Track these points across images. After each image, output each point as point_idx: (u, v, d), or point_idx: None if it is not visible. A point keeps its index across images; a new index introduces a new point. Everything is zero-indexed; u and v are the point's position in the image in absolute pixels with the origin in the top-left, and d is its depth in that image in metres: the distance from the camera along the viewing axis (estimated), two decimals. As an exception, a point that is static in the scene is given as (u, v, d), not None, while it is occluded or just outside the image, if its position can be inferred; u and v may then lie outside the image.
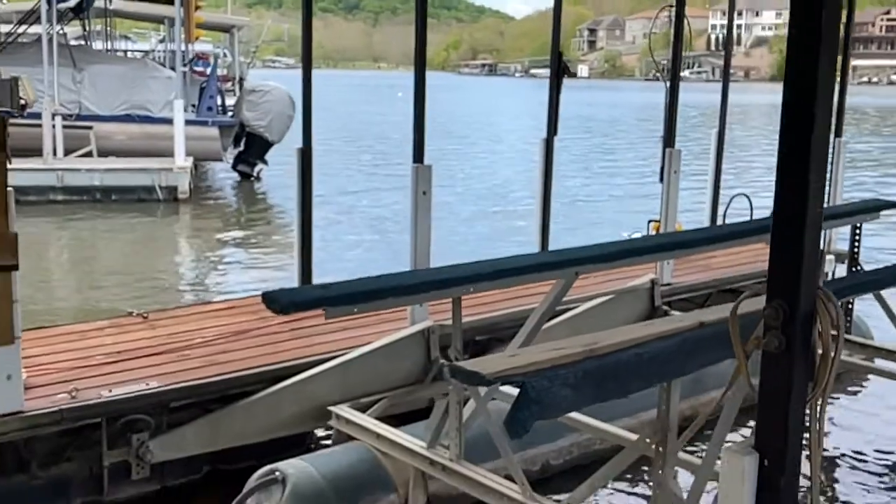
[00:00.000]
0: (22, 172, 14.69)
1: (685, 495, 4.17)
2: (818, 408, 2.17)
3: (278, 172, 22.09)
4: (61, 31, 20.01)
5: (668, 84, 8.26)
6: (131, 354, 6.14)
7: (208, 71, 26.23)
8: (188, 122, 18.54)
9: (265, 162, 21.83)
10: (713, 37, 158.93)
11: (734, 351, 4.18)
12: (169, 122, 18.66)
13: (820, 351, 2.17)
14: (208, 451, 5.79)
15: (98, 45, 26.30)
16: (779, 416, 2.08)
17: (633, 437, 4.52)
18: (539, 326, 5.31)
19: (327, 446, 6.04)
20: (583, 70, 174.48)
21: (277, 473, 5.29)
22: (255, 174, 21.79)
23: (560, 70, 9.19)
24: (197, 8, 22.32)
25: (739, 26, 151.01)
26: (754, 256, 9.58)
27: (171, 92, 19.29)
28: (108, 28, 29.34)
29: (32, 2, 20.51)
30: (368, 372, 6.21)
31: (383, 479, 5.47)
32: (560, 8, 9.33)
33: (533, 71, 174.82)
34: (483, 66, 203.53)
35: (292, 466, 5.35)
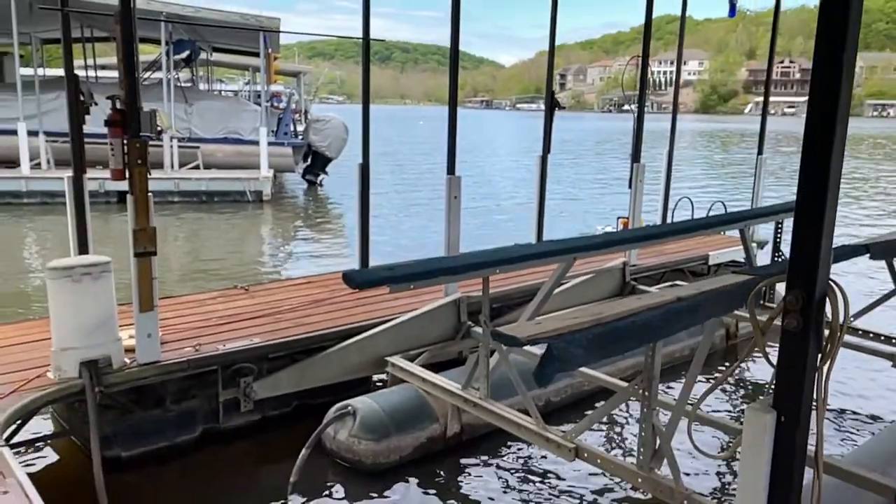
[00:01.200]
0: (151, 180, 14.53)
1: (664, 428, 4.01)
2: (825, 374, 2.02)
3: (335, 180, 22.05)
4: (176, 76, 19.82)
5: (636, 113, 8.04)
6: (238, 318, 6.05)
7: (282, 106, 26.08)
8: (270, 144, 18.42)
9: (326, 173, 21.75)
10: (652, 79, 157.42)
11: (704, 318, 4.07)
12: (255, 143, 18.54)
13: (827, 331, 2.01)
14: (296, 391, 5.71)
15: (202, 86, 26.07)
16: (795, 382, 1.92)
17: (624, 384, 4.38)
18: (547, 297, 5.19)
19: (383, 387, 5.91)
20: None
21: (349, 408, 5.19)
22: (318, 182, 21.66)
23: (552, 104, 8.97)
24: (275, 58, 22.06)
25: (668, 72, 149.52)
26: (696, 244, 9.40)
27: (256, 121, 19.17)
28: (209, 74, 29.14)
29: (154, 54, 20.35)
30: (415, 331, 6.12)
31: (428, 412, 5.37)
32: (553, 60, 9.11)
33: (518, 105, 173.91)
34: (481, 101, 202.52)
35: (360, 402, 5.24)
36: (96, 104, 5.60)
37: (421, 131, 60.48)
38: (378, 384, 6.16)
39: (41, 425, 5.33)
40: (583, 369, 4.86)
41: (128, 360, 4.90)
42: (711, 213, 10.27)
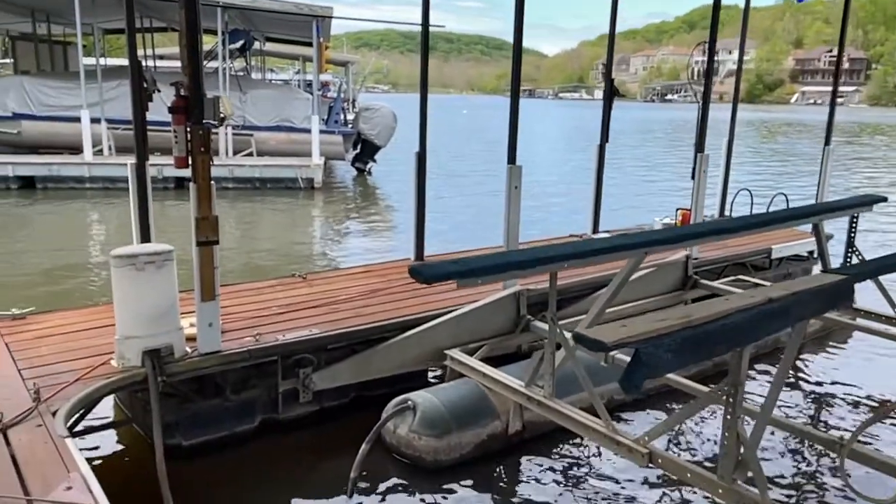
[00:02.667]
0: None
1: (748, 436, 3.69)
2: None
3: (383, 168, 21.90)
4: (231, 65, 19.83)
5: (700, 102, 7.61)
6: (296, 307, 5.90)
7: (331, 95, 26.01)
8: (321, 132, 18.27)
9: (374, 160, 21.59)
10: (696, 69, 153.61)
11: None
12: (307, 131, 18.44)
13: None
14: (354, 382, 5.52)
15: (255, 75, 26.14)
16: None
17: (705, 388, 4.06)
18: (617, 292, 4.88)
19: (438, 380, 5.68)
20: (598, 94, 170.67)
21: (410, 402, 4.98)
22: (367, 169, 21.51)
23: (612, 91, 8.61)
24: (326, 48, 21.92)
25: (717, 61, 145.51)
26: (758, 238, 8.94)
27: (308, 109, 19.08)
28: (262, 63, 29.25)
29: (210, 44, 20.40)
30: (474, 323, 5.90)
31: (489, 409, 5.14)
32: (612, 47, 8.72)
33: (561, 95, 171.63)
34: (524, 91, 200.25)
35: (420, 397, 5.03)
36: (159, 91, 5.43)
37: (465, 120, 60.01)
38: (433, 380, 5.93)
39: (103, 409, 5.24)
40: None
41: (189, 350, 4.78)
42: (773, 206, 9.77)
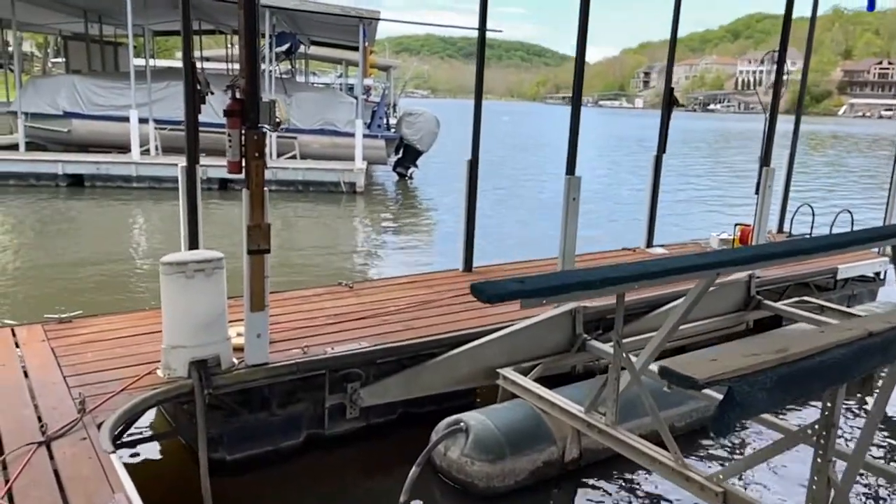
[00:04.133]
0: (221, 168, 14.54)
1: (839, 480, 3.36)
2: None
3: (423, 174, 21.75)
4: (277, 68, 19.91)
5: (768, 114, 7.23)
6: (344, 318, 5.73)
7: (373, 98, 25.99)
8: (364, 136, 18.18)
9: (416, 166, 21.43)
10: (740, 79, 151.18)
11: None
12: (350, 135, 18.35)
13: None
14: (403, 399, 5.30)
15: (299, 78, 26.25)
16: None
17: (794, 427, 3.74)
18: (685, 316, 4.54)
19: (491, 398, 5.42)
20: (638, 102, 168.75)
21: (462, 424, 4.73)
22: (408, 175, 21.37)
23: (671, 100, 8.29)
24: (370, 52, 21.89)
25: (762, 71, 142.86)
26: (822, 257, 8.49)
27: (352, 113, 19.02)
28: (305, 66, 29.40)
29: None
30: (527, 341, 5.66)
31: (545, 434, 4.88)
32: (673, 54, 8.39)
33: (601, 102, 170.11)
34: (563, 98, 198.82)
35: (473, 418, 4.78)
36: (212, 93, 5.31)
37: (506, 127, 59.71)
38: (478, 401, 5.66)
39: (146, 417, 5.10)
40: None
41: (236, 361, 4.62)
42: (837, 224, 9.32)
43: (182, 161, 5.10)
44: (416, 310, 6.01)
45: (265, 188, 4.46)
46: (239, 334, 4.75)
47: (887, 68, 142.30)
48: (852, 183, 26.17)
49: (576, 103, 5.90)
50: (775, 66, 7.48)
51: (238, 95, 4.39)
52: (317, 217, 14.93)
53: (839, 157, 37.79)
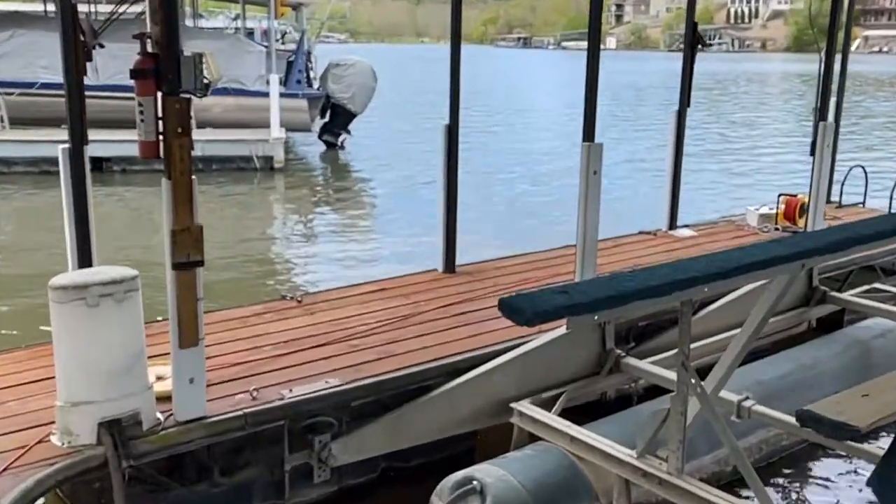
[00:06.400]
0: (123, 143, 13.97)
1: None
2: None
3: (359, 141, 21.32)
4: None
5: (823, 55, 7.13)
6: (299, 344, 5.46)
7: (280, 45, 25.26)
8: (280, 96, 17.72)
9: (349, 132, 21.02)
10: (732, 10, 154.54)
11: None
12: (262, 94, 17.87)
13: None
14: (386, 452, 5.11)
15: (188, 22, 25.33)
16: None
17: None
18: (763, 324, 4.36)
19: (498, 443, 5.17)
20: (610, 42, 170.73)
21: (475, 483, 4.45)
22: (339, 143, 20.94)
23: (695, 39, 8.14)
24: (281, -14, 21.25)
25: (756, 0, 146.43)
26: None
27: (262, 66, 18.49)
28: (194, 8, 28.38)
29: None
30: (545, 364, 5.49)
31: (583, 487, 4.68)
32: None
33: (565, 43, 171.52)
34: (518, 39, 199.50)
35: (489, 475, 4.51)
36: (102, 45, 4.89)
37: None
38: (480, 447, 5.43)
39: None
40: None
41: (161, 416, 4.29)
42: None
43: (53, 136, 4.72)
44: (391, 328, 5.75)
45: (194, 177, 4.10)
46: (160, 377, 4.45)
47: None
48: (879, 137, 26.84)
49: (593, 51, 5.76)
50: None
51: (150, 49, 4.02)
52: (225, 205, 14.50)
53: (856, 105, 38.81)
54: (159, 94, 4.01)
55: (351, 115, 20.53)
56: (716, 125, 29.46)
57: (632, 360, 5.56)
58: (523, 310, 3.36)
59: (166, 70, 3.95)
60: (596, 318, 3.63)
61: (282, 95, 17.87)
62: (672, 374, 4.65)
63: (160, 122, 4.00)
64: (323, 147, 21.04)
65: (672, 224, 8.53)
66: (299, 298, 6.30)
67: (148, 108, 4.03)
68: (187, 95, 4.01)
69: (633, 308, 3.69)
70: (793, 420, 4.59)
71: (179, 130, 3.99)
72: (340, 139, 20.96)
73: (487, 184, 16.31)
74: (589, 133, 5.80)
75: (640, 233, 8.50)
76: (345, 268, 10.32)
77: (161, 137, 4.03)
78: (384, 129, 24.53)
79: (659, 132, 24.22)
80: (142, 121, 4.05)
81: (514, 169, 18.66)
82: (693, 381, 4.13)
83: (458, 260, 7.19)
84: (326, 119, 20.74)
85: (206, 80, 4.10)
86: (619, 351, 5.63)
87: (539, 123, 29.41)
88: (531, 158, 20.13)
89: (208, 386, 4.49)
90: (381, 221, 13.90)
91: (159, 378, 4.44)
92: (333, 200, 15.52)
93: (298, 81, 19.48)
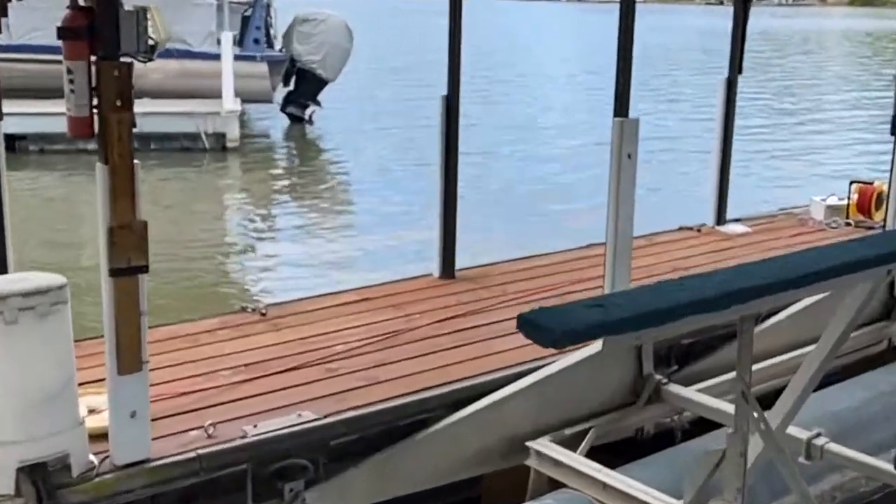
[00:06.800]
0: (41, 118, 14.01)
1: None
2: None
3: (330, 113, 21.41)
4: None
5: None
6: (265, 368, 5.50)
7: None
8: (235, 58, 18.01)
9: (318, 103, 21.18)
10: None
11: None
12: (210, 56, 18.18)
13: None
14: (376, 502, 5.14)
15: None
16: None
17: None
18: (842, 342, 4.42)
19: (509, 490, 5.30)
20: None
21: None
22: (307, 117, 21.07)
23: (747, -7, 8.22)
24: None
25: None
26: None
27: (212, 22, 18.69)
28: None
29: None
30: (568, 392, 5.61)
31: (620, 548, 4.65)
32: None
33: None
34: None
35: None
36: (18, -1, 4.95)
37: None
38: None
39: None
40: None
41: (95, 460, 4.29)
42: None
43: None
44: (376, 348, 5.81)
45: (135, 161, 4.23)
46: (94, 410, 4.51)
47: None
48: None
49: (626, 8, 5.81)
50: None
51: (82, 2, 4.07)
52: (167, 194, 14.64)
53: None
54: (93, 58, 4.03)
55: (321, 83, 20.82)
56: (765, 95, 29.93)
57: (675, 388, 5.63)
58: (550, 328, 3.34)
59: (103, 28, 3.98)
60: (638, 337, 3.63)
61: (236, 58, 18.09)
62: (727, 406, 4.69)
63: (94, 93, 4.04)
64: (287, 121, 21.34)
65: (720, 218, 8.59)
66: (263, 311, 6.35)
67: (79, 75, 4.05)
68: (129, 60, 4.05)
69: (684, 324, 3.69)
70: (877, 462, 4.60)
71: (119, 103, 4.04)
72: (308, 112, 21.21)
73: (489, 167, 16.49)
74: (622, 107, 5.86)
75: (681, 228, 8.56)
76: (317, 273, 10.49)
77: (96, 111, 4.08)
78: (361, 100, 24.63)
79: (695, 105, 24.51)
80: (72, 91, 4.08)
81: (520, 147, 18.92)
82: (756, 414, 4.13)
83: (458, 263, 7.25)
84: (291, 87, 21.04)
85: (151, 41, 4.15)
86: (659, 376, 5.72)
87: (552, 94, 29.74)
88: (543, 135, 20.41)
89: (153, 420, 4.53)
90: (359, 214, 14.17)
91: (92, 411, 4.47)
92: (300, 187, 15.69)
93: (256, 41, 19.78)
